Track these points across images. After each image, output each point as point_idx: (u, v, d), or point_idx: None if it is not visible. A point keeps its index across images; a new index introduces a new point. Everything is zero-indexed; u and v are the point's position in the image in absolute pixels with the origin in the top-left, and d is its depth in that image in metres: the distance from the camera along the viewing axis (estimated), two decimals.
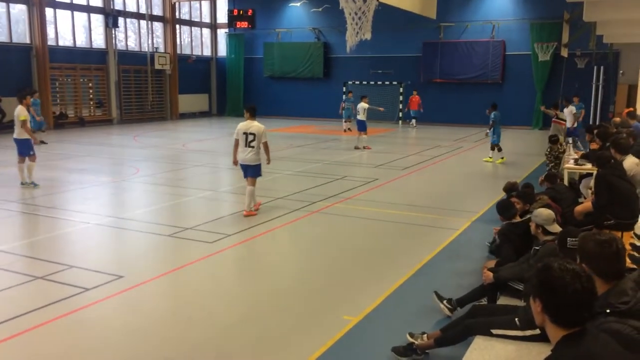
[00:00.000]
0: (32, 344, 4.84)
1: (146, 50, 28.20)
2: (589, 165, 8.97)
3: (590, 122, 21.23)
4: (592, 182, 7.91)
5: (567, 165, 9.69)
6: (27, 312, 5.37)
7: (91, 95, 26.41)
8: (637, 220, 6.27)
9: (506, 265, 5.19)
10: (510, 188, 7.62)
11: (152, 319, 5.42)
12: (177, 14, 29.92)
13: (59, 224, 8.92)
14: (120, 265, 6.88)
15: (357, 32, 9.83)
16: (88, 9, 25.48)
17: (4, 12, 22.42)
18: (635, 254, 5.12)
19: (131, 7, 27.60)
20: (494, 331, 3.88)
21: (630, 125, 11.70)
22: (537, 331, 3.60)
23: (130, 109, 27.88)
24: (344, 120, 23.73)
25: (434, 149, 18.21)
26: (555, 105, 15.36)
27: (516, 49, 25.75)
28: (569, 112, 16.58)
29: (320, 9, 28.73)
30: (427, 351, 4.55)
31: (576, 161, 9.55)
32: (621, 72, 24.11)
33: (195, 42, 32.24)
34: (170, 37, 29.19)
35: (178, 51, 29.96)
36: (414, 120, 25.91)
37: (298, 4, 29.69)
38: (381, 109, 22.97)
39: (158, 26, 29.35)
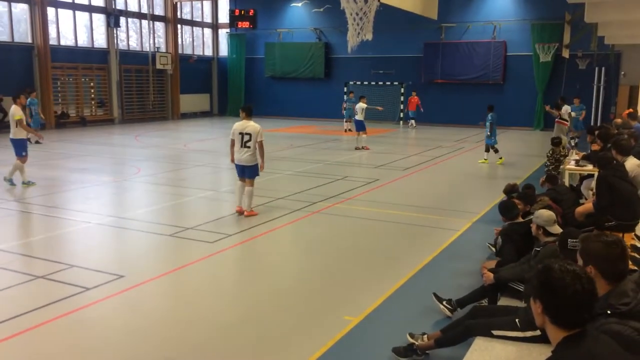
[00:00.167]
0: (32, 343, 4.84)
1: (148, 50, 28.23)
2: (590, 167, 8.96)
3: (592, 124, 21.22)
4: (593, 183, 7.91)
5: (568, 166, 9.68)
6: (28, 311, 5.37)
7: (92, 95, 26.44)
8: (638, 222, 6.27)
9: (507, 266, 5.19)
10: (510, 190, 7.61)
11: (152, 318, 5.42)
12: (178, 13, 29.97)
13: (60, 223, 8.92)
14: (121, 264, 6.89)
15: (359, 33, 9.83)
16: (90, 9, 25.50)
17: (6, 12, 22.45)
18: (636, 255, 5.11)
19: (133, 7, 27.62)
20: (495, 332, 3.88)
21: (631, 127, 11.69)
22: (538, 332, 3.60)
23: (132, 108, 27.91)
24: (344, 120, 23.74)
25: (435, 149, 18.21)
26: (558, 106, 15.36)
27: (517, 49, 25.74)
28: (564, 111, 16.57)
29: (321, 9, 28.74)
30: (427, 352, 4.55)
31: (577, 162, 9.54)
32: (622, 73, 24.09)
33: (197, 42, 32.27)
34: (172, 37, 29.22)
35: (179, 51, 30.00)
36: (412, 121, 25.94)
37: (299, 4, 29.70)
38: (379, 108, 22.98)
39: (160, 26, 29.38)
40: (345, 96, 25.51)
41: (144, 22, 28.26)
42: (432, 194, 11.58)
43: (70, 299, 5.69)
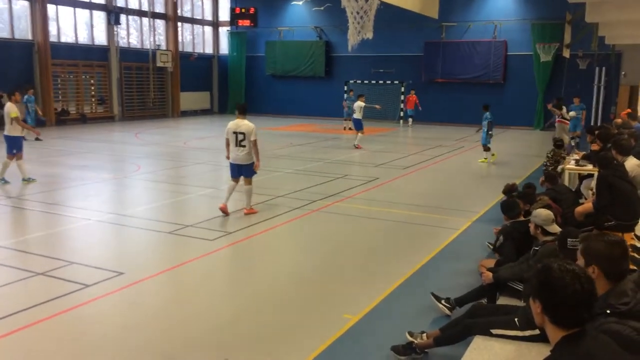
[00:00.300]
0: (32, 340, 4.85)
1: (148, 47, 28.21)
2: (590, 166, 8.97)
3: (592, 123, 21.22)
4: (593, 183, 7.91)
5: (568, 166, 9.68)
6: (27, 307, 5.38)
7: (93, 92, 26.43)
8: (638, 222, 6.28)
9: (506, 265, 5.19)
10: (509, 190, 7.62)
11: (152, 315, 5.43)
12: (179, 11, 29.93)
13: (60, 220, 8.92)
14: (120, 261, 6.89)
15: (359, 31, 9.81)
16: (90, 6, 25.48)
17: (6, 8, 22.43)
18: (636, 255, 5.12)
19: (133, 4, 27.60)
20: (494, 331, 3.89)
21: (631, 127, 11.70)
22: (537, 331, 3.60)
23: (132, 106, 27.89)
24: (344, 118, 23.73)
25: (435, 148, 18.21)
26: (559, 106, 15.34)
27: (518, 49, 25.74)
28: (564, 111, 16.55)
29: (322, 8, 28.71)
30: (426, 350, 4.55)
31: (577, 162, 9.54)
32: (623, 73, 24.08)
33: (197, 40, 32.24)
34: (172, 34, 29.19)
35: (180, 49, 29.97)
36: (410, 119, 25.94)
37: (300, 3, 29.67)
38: (378, 106, 22.94)
39: (160, 23, 29.35)
40: (345, 94, 25.52)
41: (145, 20, 28.24)
42: (431, 193, 11.59)
43: (69, 296, 5.70)
